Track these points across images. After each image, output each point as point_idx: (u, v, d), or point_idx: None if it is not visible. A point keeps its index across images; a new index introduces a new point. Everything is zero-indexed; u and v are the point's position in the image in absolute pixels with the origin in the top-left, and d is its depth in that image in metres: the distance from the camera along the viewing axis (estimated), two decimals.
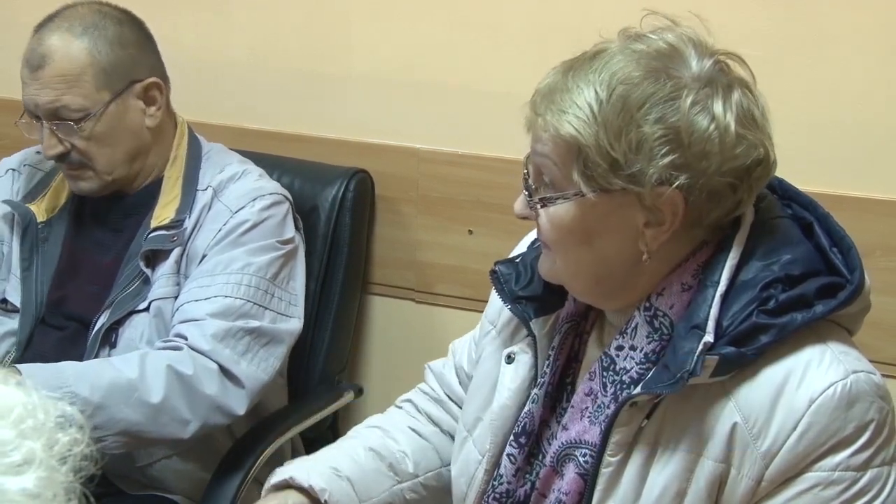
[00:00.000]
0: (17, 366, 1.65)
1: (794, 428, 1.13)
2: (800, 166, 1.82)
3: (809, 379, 1.14)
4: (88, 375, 1.66)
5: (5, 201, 1.96)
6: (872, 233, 1.83)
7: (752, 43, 1.87)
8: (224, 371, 1.75)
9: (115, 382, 1.66)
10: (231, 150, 2.00)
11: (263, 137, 2.27)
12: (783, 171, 1.32)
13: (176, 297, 1.80)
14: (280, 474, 1.41)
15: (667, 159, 1.13)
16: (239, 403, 1.77)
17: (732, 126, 1.14)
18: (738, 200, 1.19)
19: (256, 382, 1.79)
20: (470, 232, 2.17)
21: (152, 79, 1.86)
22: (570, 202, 1.18)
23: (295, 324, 1.87)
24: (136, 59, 1.84)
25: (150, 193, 1.89)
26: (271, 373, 1.82)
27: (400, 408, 1.60)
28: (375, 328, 2.31)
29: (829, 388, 1.13)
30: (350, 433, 1.55)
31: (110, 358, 1.75)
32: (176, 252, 1.81)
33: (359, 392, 2.21)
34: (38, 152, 1.98)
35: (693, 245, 1.21)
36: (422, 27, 2.14)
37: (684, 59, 1.16)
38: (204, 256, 1.81)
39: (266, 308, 1.81)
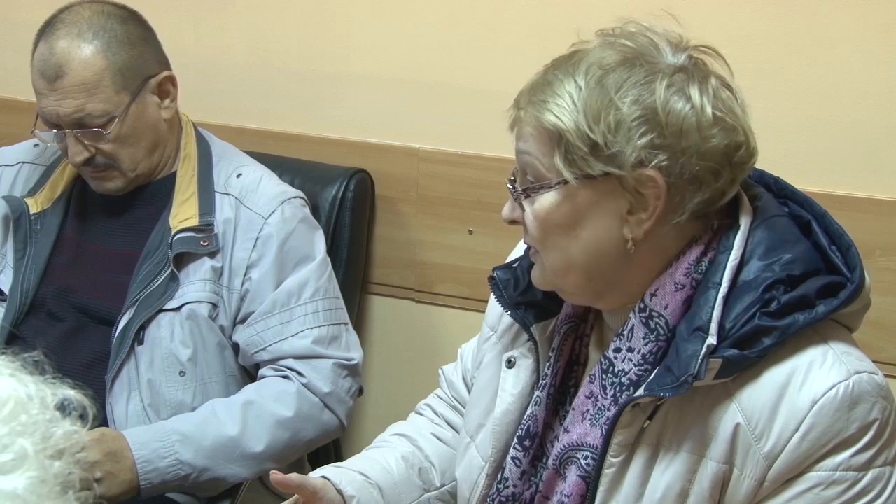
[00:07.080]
0: (123, 433, 1.72)
1: (797, 429, 1.14)
2: (799, 166, 1.84)
3: (812, 380, 1.14)
4: (193, 438, 1.75)
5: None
6: (872, 233, 1.83)
7: (752, 43, 1.88)
8: (329, 408, 1.87)
9: (219, 441, 1.77)
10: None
11: (263, 137, 2.28)
12: (782, 171, 1.33)
13: (213, 304, 1.83)
14: (314, 474, 1.41)
15: (645, 139, 1.14)
16: (332, 433, 1.91)
17: (709, 108, 1.16)
18: (722, 190, 1.19)
19: (349, 412, 1.92)
20: (470, 232, 2.17)
21: (165, 73, 1.87)
22: (553, 191, 1.19)
23: (360, 353, 1.95)
24: (145, 55, 1.85)
25: (163, 186, 1.91)
26: (355, 399, 1.94)
27: (421, 414, 1.61)
28: (375, 328, 2.31)
29: (831, 389, 1.13)
30: (376, 442, 1.56)
31: (214, 406, 1.81)
32: (211, 260, 1.83)
33: (359, 392, 2.21)
34: (35, 145, 1.98)
35: (683, 238, 1.21)
36: (422, 27, 2.14)
37: (660, 50, 1.19)
38: (249, 269, 1.84)
39: (339, 323, 1.91)
